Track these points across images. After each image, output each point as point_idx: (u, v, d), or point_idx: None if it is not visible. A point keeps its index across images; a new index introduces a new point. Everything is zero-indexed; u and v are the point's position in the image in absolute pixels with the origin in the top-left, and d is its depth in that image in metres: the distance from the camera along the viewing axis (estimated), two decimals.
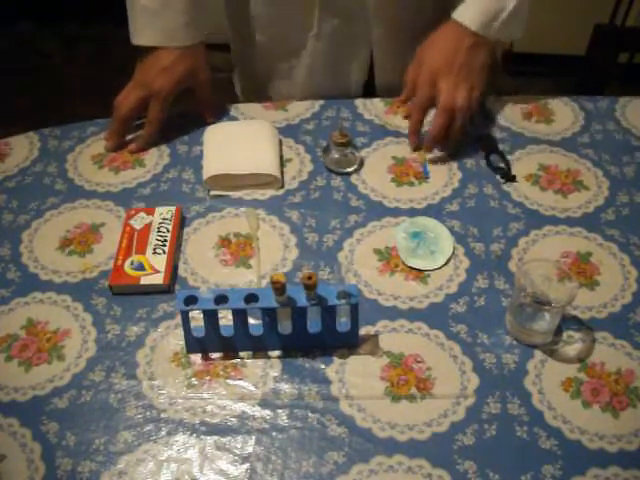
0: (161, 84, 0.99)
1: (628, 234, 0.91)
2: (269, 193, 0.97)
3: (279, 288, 0.72)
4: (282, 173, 0.99)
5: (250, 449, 0.72)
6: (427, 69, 0.98)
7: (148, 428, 0.74)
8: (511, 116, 1.08)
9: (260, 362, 0.79)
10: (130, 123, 1.03)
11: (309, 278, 0.72)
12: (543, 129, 1.05)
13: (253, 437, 0.73)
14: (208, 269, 0.88)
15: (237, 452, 0.72)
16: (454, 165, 1.00)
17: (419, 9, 1.08)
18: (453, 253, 0.88)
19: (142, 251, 0.87)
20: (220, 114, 1.08)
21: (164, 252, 0.87)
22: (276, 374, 0.78)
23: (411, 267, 0.87)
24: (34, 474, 0.70)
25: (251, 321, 0.78)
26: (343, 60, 1.13)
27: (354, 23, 1.08)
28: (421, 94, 0.99)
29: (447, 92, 0.96)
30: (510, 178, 0.98)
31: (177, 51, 1.00)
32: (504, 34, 0.99)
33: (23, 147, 1.05)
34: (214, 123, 1.05)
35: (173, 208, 0.92)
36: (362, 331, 0.80)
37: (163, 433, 0.73)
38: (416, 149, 1.01)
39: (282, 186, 0.98)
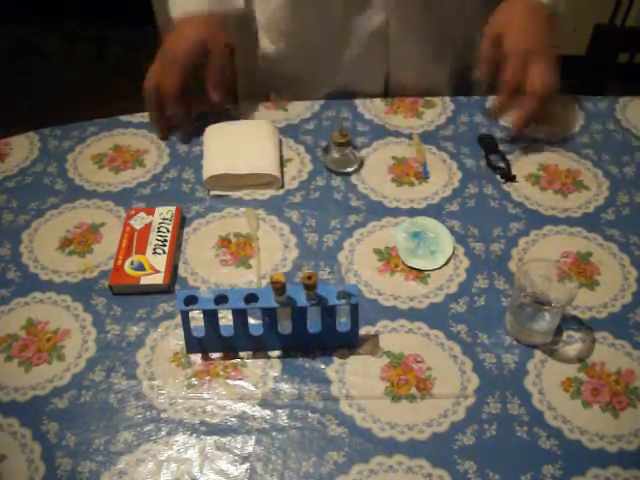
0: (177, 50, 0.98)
1: (628, 234, 0.91)
2: (269, 193, 0.97)
3: (279, 288, 0.72)
4: (282, 173, 0.99)
5: (250, 449, 0.72)
6: (516, 51, 0.95)
7: (148, 428, 0.74)
8: (511, 116, 1.07)
9: (260, 362, 0.79)
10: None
11: (309, 278, 0.72)
12: (543, 129, 1.05)
13: (253, 437, 0.73)
14: (208, 269, 0.88)
15: (237, 452, 0.72)
16: (454, 165, 1.00)
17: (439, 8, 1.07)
18: (453, 253, 0.88)
19: (142, 251, 0.87)
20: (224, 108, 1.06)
21: (164, 252, 0.87)
22: (276, 374, 0.78)
23: (411, 267, 0.87)
24: (34, 474, 0.70)
25: (251, 321, 0.78)
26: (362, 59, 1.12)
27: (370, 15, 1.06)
28: (511, 76, 0.96)
29: (540, 76, 0.95)
30: (510, 178, 0.98)
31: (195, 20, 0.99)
32: (563, 8, 1.00)
33: (23, 147, 1.05)
34: (216, 120, 1.04)
35: (173, 208, 0.92)
36: (362, 331, 0.80)
37: (163, 433, 0.73)
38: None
39: (282, 186, 0.98)
